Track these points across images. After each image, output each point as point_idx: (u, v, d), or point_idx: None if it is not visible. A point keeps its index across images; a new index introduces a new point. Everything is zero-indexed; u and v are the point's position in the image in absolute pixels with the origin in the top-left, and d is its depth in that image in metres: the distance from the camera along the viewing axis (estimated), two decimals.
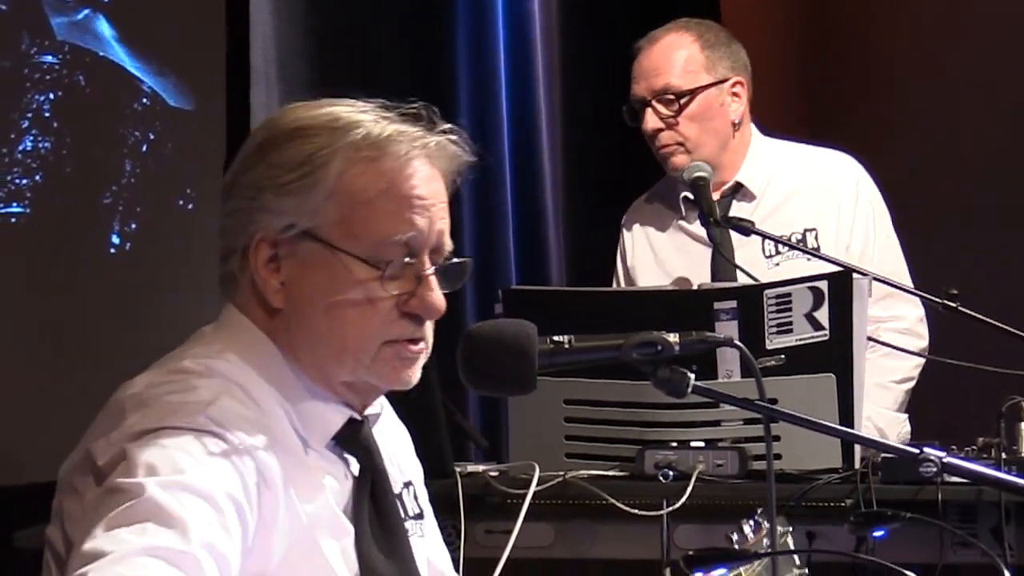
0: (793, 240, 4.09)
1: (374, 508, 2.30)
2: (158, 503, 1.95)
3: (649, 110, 4.18)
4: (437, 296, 2.25)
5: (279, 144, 2.23)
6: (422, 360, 2.28)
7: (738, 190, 4.26)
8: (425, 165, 2.24)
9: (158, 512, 1.94)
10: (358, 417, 2.30)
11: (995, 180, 6.23)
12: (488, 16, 6.19)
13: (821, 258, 3.96)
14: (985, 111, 6.31)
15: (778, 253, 4.17)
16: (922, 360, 4.16)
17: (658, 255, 4.34)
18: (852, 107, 6.74)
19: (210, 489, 2.01)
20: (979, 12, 6.39)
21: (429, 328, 2.27)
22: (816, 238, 4.15)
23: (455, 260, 2.29)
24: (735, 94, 4.25)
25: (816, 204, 4.23)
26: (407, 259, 2.22)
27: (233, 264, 2.24)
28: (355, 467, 2.30)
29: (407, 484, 2.46)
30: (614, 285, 4.51)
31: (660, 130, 4.18)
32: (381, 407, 2.38)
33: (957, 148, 6.39)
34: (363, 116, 2.24)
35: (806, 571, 2.96)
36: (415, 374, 2.27)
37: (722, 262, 4.10)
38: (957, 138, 6.39)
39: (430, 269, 2.24)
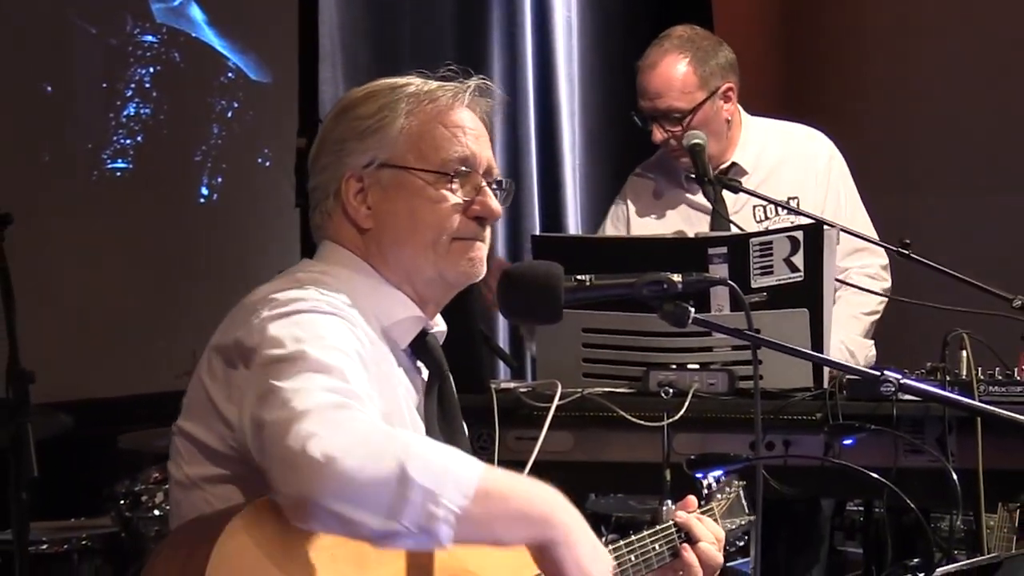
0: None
1: (440, 409, 2.39)
2: (315, 358, 2.03)
3: (656, 125, 4.17)
4: (494, 202, 2.37)
5: (354, 106, 2.38)
6: (485, 258, 2.37)
7: (732, 168, 4.26)
8: (464, 106, 2.38)
9: (317, 365, 2.02)
10: (429, 329, 2.39)
11: (943, 150, 6.30)
12: (519, 4, 6.24)
13: (802, 215, 4.01)
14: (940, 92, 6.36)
15: (767, 218, 4.20)
16: (886, 298, 4.19)
17: (661, 220, 4.32)
18: (827, 77, 6.77)
19: (350, 349, 2.11)
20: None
21: (488, 233, 2.38)
22: (798, 204, 4.16)
23: (504, 179, 2.42)
24: (727, 97, 4.22)
25: (797, 176, 4.25)
26: (466, 171, 2.34)
27: (327, 207, 2.36)
28: (425, 374, 2.39)
29: None
30: None
31: (668, 139, 4.19)
32: (445, 329, 2.46)
33: (910, 121, 6.45)
34: (412, 79, 2.41)
35: (752, 518, 2.97)
36: (480, 269, 2.36)
37: (719, 224, 4.10)
38: (914, 112, 6.44)
39: (484, 183, 2.36)
